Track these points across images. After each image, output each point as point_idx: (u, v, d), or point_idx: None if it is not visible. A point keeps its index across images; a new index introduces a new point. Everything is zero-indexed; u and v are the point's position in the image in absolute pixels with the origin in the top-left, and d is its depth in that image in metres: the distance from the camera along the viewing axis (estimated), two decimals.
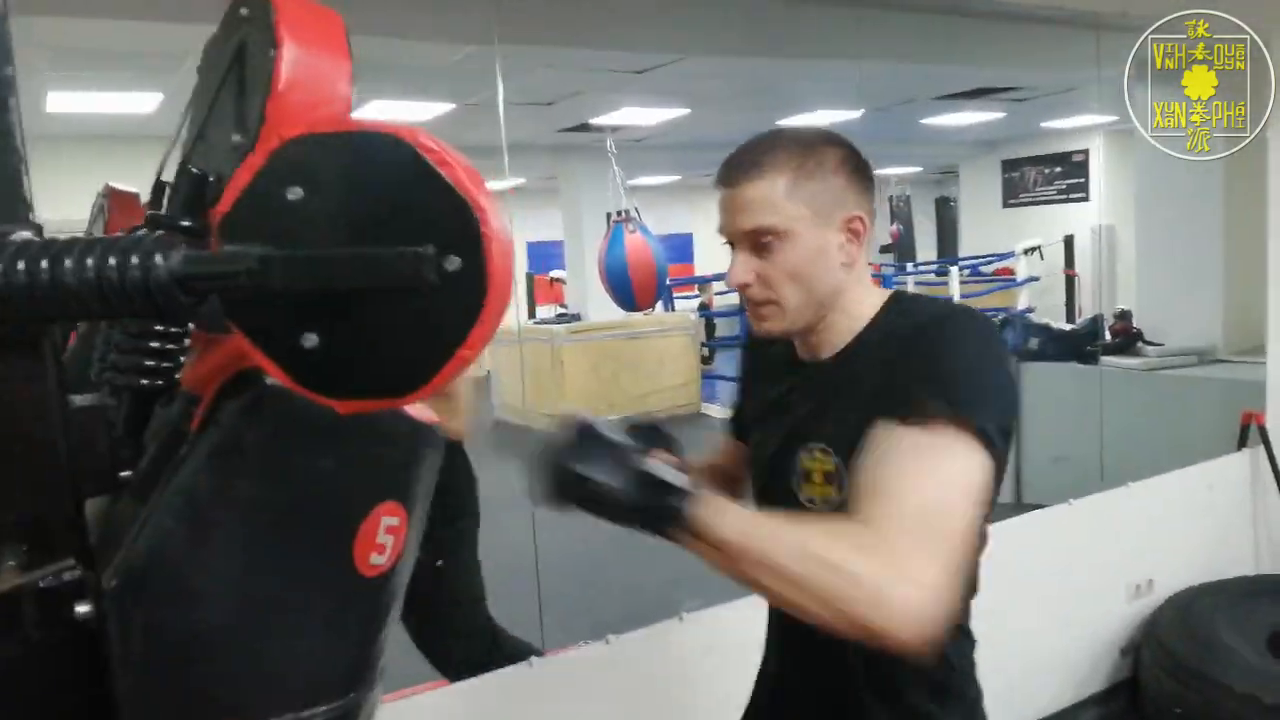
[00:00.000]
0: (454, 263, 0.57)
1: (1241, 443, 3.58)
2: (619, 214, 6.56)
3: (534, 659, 2.02)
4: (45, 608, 0.58)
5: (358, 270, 0.56)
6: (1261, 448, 3.54)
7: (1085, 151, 10.24)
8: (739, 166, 1.11)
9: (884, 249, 15.68)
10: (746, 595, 0.98)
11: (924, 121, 8.57)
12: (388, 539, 0.78)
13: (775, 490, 1.17)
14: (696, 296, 13.20)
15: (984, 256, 10.50)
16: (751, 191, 1.09)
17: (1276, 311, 3.64)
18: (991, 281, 10.15)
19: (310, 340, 0.58)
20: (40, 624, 0.58)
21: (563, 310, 11.33)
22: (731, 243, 1.13)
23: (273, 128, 0.63)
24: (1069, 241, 9.78)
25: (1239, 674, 2.70)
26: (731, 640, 2.20)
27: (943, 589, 0.89)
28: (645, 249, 6.41)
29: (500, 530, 2.66)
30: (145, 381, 0.72)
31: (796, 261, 1.09)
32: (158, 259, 0.55)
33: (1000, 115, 8.70)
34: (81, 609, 0.61)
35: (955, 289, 8.92)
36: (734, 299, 10.19)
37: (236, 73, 0.69)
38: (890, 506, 0.92)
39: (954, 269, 9.41)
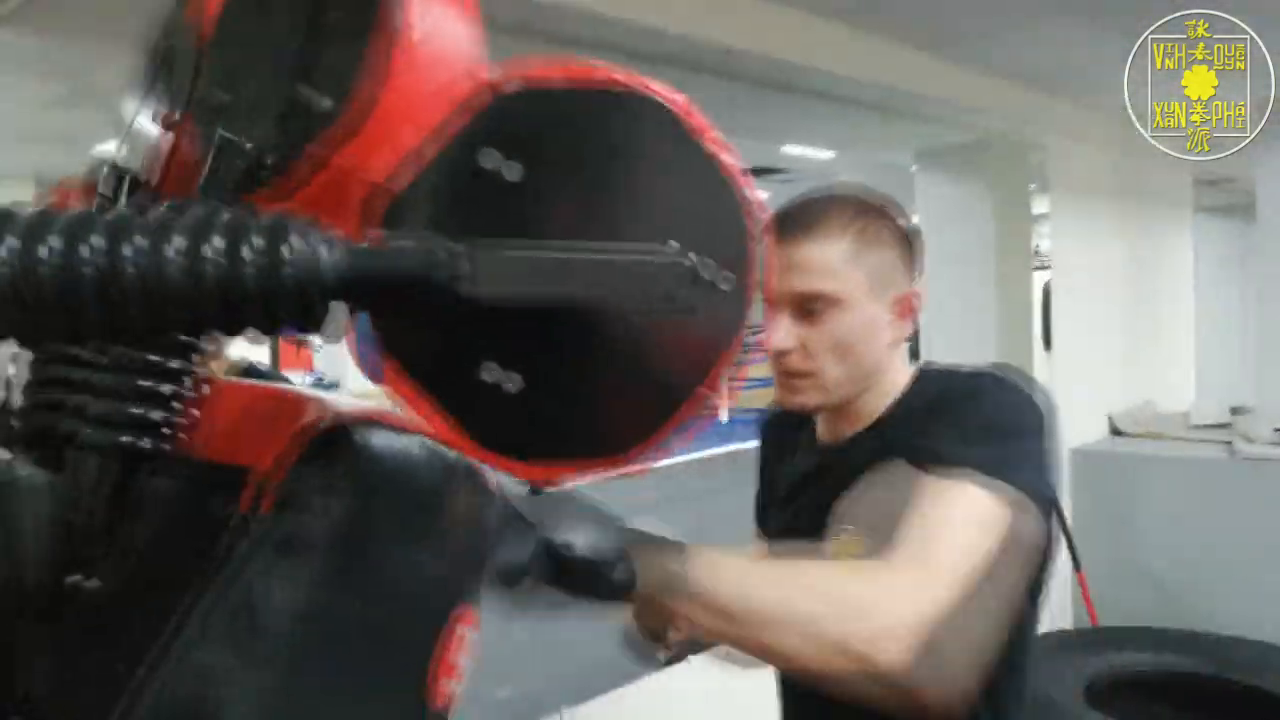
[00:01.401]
0: (728, 281, 0.41)
1: None
2: None
3: None
4: None
5: (611, 278, 0.38)
6: None
7: None
8: (798, 222, 1.00)
9: None
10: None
11: None
12: (461, 658, 0.57)
13: None
14: None
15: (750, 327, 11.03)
16: (811, 251, 0.99)
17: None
18: (760, 350, 10.62)
19: (511, 382, 0.39)
20: None
21: (319, 377, 10.44)
22: (768, 301, 1.01)
23: (402, 88, 0.43)
24: None
25: None
26: None
27: (942, 617, 0.77)
28: None
29: None
30: (138, 441, 0.47)
31: (845, 332, 0.99)
32: (323, 251, 0.34)
33: (765, 195, 9.15)
34: None
35: None
36: None
37: (304, 16, 0.47)
38: (897, 542, 0.83)
39: None
